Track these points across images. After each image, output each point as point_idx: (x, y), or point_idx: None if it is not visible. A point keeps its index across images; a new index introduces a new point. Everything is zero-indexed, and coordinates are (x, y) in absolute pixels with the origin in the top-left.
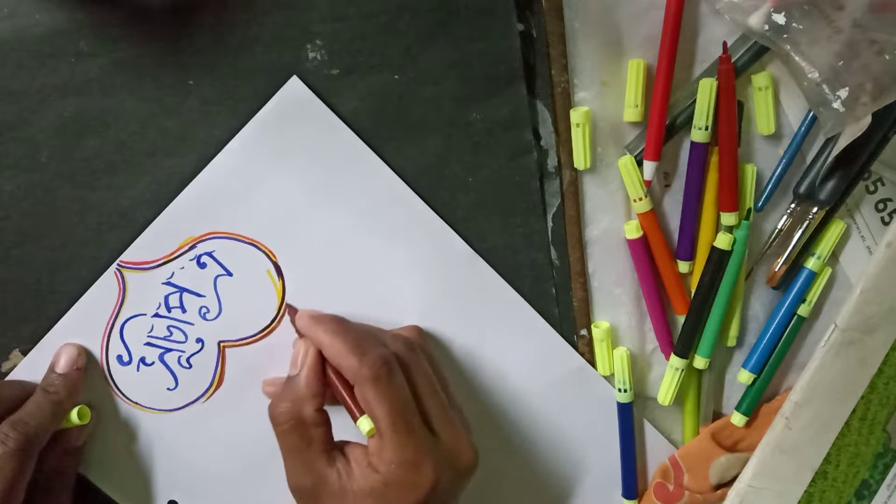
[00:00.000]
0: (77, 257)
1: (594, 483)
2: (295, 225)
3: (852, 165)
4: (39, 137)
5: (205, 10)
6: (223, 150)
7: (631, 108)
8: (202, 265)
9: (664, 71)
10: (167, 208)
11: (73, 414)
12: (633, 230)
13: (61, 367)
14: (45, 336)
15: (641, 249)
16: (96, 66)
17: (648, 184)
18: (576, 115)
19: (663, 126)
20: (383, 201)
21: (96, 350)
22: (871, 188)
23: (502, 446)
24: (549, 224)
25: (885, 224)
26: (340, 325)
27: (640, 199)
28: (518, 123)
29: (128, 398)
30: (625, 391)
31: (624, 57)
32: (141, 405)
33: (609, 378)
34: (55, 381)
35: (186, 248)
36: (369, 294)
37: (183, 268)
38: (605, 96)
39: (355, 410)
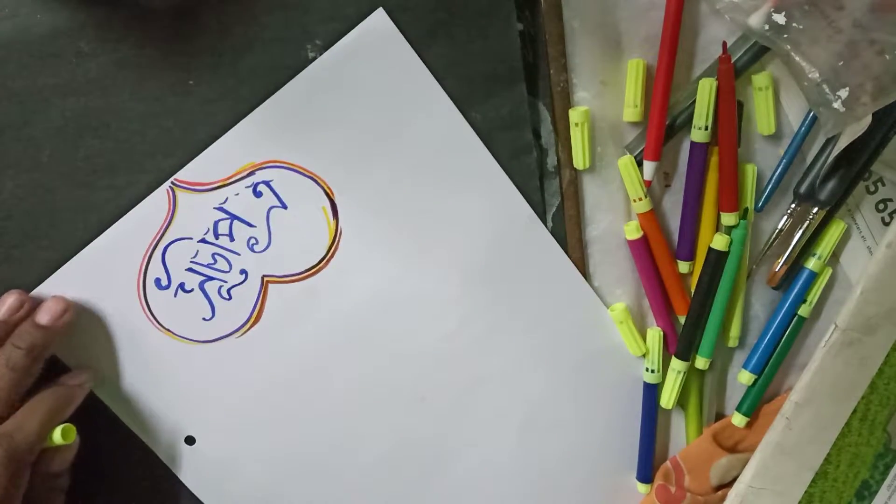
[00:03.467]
0: None
1: (609, 464)
2: (358, 162)
3: (852, 165)
4: (40, 137)
5: (205, 10)
6: (297, 77)
7: (630, 107)
8: (258, 194)
9: (664, 71)
10: (231, 130)
11: (57, 433)
12: (633, 231)
13: (67, 377)
14: (84, 249)
15: (642, 250)
16: (97, 66)
17: (648, 184)
18: (574, 115)
19: (663, 126)
20: (451, 149)
21: (134, 268)
22: (872, 188)
23: (524, 414)
24: (549, 224)
25: (886, 224)
26: None
27: (640, 199)
28: (518, 123)
29: (160, 324)
30: (653, 371)
31: (623, 57)
32: (173, 332)
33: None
34: (56, 389)
35: (245, 174)
36: (419, 241)
37: (238, 194)
38: (605, 96)
39: None
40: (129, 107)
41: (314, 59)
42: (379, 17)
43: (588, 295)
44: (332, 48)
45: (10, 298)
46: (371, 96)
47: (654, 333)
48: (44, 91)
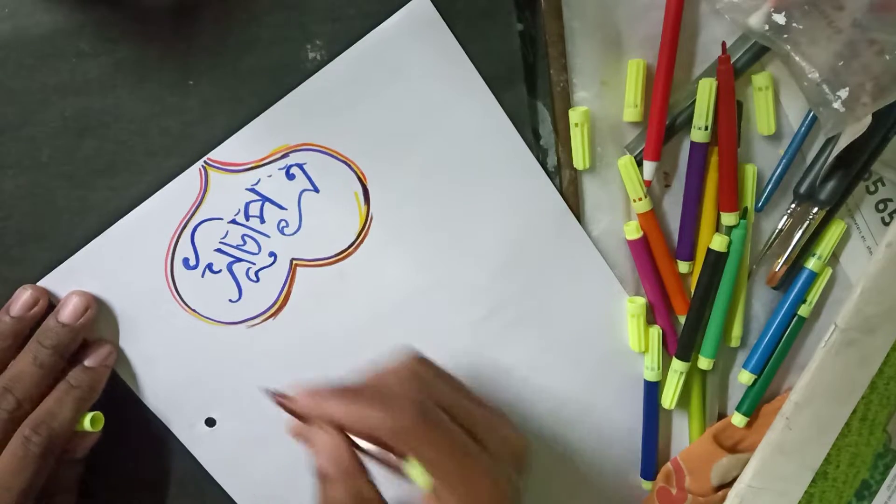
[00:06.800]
0: None
1: (613, 461)
2: (393, 148)
3: (852, 165)
4: (40, 137)
5: (205, 10)
6: (336, 59)
7: (631, 107)
8: (290, 176)
9: (664, 71)
10: (266, 111)
11: (87, 419)
12: (633, 231)
13: (90, 361)
14: (110, 228)
15: (642, 250)
16: (96, 66)
17: (648, 184)
18: (575, 115)
19: (663, 126)
20: (487, 138)
21: (162, 247)
22: (872, 188)
23: (545, 406)
24: None
25: (886, 224)
26: (346, 392)
27: (640, 199)
28: (518, 123)
29: (186, 304)
30: (654, 370)
31: (623, 57)
32: (198, 313)
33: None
34: (81, 376)
35: (279, 155)
36: (451, 229)
37: (270, 176)
38: (605, 96)
39: (399, 464)
40: (129, 107)
41: (314, 59)
42: (421, 3)
43: (618, 292)
44: (374, 31)
45: (25, 294)
46: (409, 82)
47: (654, 331)
48: (43, 91)
